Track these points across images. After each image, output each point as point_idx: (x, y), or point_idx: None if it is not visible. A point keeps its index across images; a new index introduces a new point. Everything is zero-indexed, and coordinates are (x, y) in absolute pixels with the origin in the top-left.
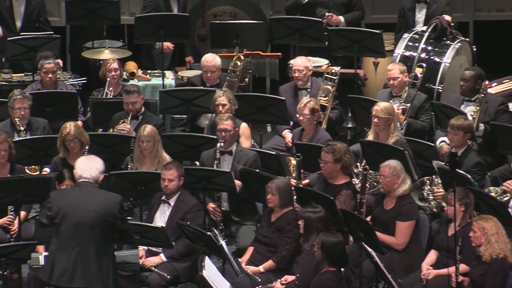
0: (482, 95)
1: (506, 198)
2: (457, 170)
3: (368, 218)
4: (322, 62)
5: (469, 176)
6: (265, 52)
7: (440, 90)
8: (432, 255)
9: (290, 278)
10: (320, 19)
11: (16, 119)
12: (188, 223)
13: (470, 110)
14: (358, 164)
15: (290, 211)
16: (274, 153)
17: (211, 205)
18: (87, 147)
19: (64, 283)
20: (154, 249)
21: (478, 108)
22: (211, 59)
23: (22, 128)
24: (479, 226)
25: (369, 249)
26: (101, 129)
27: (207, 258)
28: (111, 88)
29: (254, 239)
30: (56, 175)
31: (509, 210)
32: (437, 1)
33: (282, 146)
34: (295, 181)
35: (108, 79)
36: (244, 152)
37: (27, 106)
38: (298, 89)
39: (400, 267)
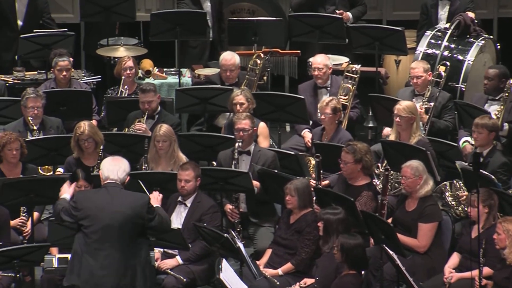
0: (507, 94)
1: None
2: (480, 170)
3: (390, 220)
4: (342, 60)
5: (493, 177)
6: (284, 49)
7: (464, 89)
8: (455, 258)
9: (309, 281)
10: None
11: (29, 118)
12: (205, 224)
13: (494, 109)
14: (379, 164)
15: (309, 213)
16: (293, 153)
17: (228, 207)
18: (101, 147)
19: (92, 286)
20: (170, 251)
21: (502, 107)
22: (230, 57)
23: (35, 128)
24: (504, 228)
25: (390, 252)
26: (115, 129)
27: (224, 260)
28: (126, 87)
29: (272, 241)
30: (70, 175)
31: None
32: None
33: (301, 146)
34: (314, 182)
35: (123, 77)
36: (262, 152)
37: (41, 105)
38: (317, 87)
39: (422, 270)
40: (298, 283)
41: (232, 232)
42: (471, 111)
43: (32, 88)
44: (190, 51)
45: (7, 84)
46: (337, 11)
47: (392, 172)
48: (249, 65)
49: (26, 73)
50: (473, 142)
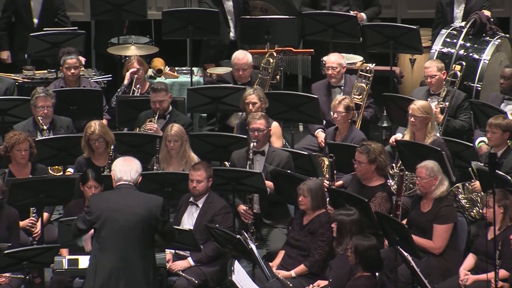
0: None
1: None
2: (496, 171)
3: (404, 221)
4: (357, 59)
5: (509, 177)
6: (297, 48)
7: (479, 88)
8: (470, 260)
9: (322, 283)
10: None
11: (39, 117)
12: (217, 225)
13: (510, 108)
14: (394, 165)
15: (323, 214)
16: (306, 153)
17: (242, 207)
18: (112, 147)
19: None
20: (181, 252)
21: None
22: (242, 56)
23: (45, 127)
24: None
25: (405, 253)
26: (126, 128)
27: (236, 262)
28: (138, 86)
29: (285, 242)
30: (80, 176)
31: None
32: None
33: (314, 146)
34: (328, 182)
35: (135, 76)
36: (277, 153)
37: (51, 104)
38: (331, 87)
39: (437, 272)
40: (311, 285)
41: (245, 233)
42: (487, 111)
43: (42, 87)
44: (208, 51)
45: (17, 83)
46: (351, 12)
47: (407, 172)
48: (262, 64)
49: (36, 72)
50: None
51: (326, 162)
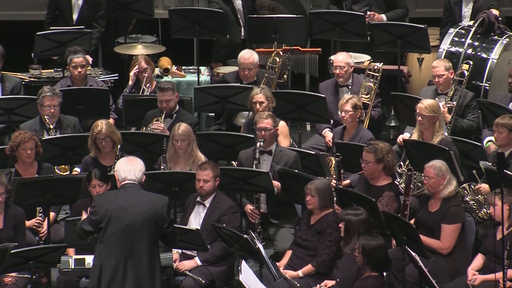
0: None
1: None
2: (504, 170)
3: (412, 221)
4: (364, 58)
5: None
6: (305, 47)
7: (488, 88)
8: (479, 260)
9: (330, 283)
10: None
11: (45, 117)
12: (224, 225)
13: None
14: (401, 164)
15: (330, 213)
16: (313, 152)
17: (249, 207)
18: (118, 146)
19: None
20: (188, 252)
21: None
22: (248, 55)
23: (51, 126)
24: None
25: (413, 253)
26: (134, 128)
27: (243, 262)
28: (148, 85)
29: (292, 242)
30: (87, 175)
31: None
32: None
33: (322, 145)
34: (335, 182)
35: (144, 75)
36: (284, 152)
37: (57, 104)
38: (338, 86)
39: (445, 272)
40: (318, 285)
41: (252, 233)
42: (495, 110)
43: (49, 87)
44: (220, 50)
45: (23, 82)
46: (368, 12)
47: (415, 172)
48: (268, 63)
49: (43, 71)
50: None
51: (334, 162)
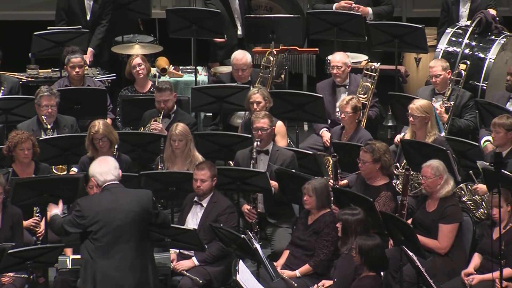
0: None
1: None
2: (502, 170)
3: (409, 221)
4: (362, 58)
5: None
6: (302, 47)
7: (485, 87)
8: (476, 259)
9: (327, 283)
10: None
11: (43, 117)
12: (221, 225)
13: None
14: (398, 164)
15: (328, 213)
16: (311, 152)
17: (246, 207)
18: (115, 146)
19: None
20: (186, 252)
21: None
22: (241, 56)
23: (49, 126)
24: None
25: (410, 253)
26: (129, 128)
27: (241, 261)
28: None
29: (290, 242)
30: (84, 175)
31: None
32: None
33: (319, 145)
34: (332, 182)
35: (139, 71)
36: (281, 152)
37: (55, 104)
38: (336, 86)
39: (442, 271)
40: (315, 285)
41: (249, 233)
42: (492, 110)
43: (46, 86)
44: (217, 51)
45: (21, 82)
46: (353, 5)
47: (412, 172)
48: (262, 63)
49: (40, 71)
50: None
51: (331, 162)
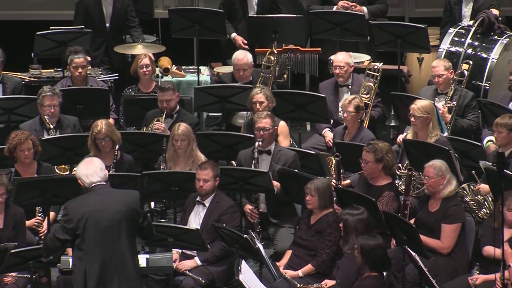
0: None
1: None
2: (504, 170)
3: (412, 221)
4: (364, 58)
5: None
6: (305, 47)
7: (487, 87)
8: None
9: (330, 283)
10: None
11: (45, 116)
12: (224, 225)
13: None
14: (400, 165)
15: (330, 213)
16: (313, 152)
17: (248, 207)
18: (117, 146)
19: None
20: (188, 252)
21: None
22: (242, 56)
23: (51, 126)
24: None
25: (413, 253)
26: (131, 127)
27: (243, 261)
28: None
29: (292, 242)
30: None
31: None
32: None
33: (322, 145)
34: (335, 181)
35: (145, 71)
36: (283, 152)
37: (57, 103)
38: (338, 86)
39: (445, 271)
40: (315, 284)
41: (252, 232)
42: (495, 110)
43: (49, 86)
44: (230, 48)
45: (23, 82)
46: (349, 3)
47: (414, 173)
48: (263, 62)
49: (43, 71)
50: None
51: (334, 162)
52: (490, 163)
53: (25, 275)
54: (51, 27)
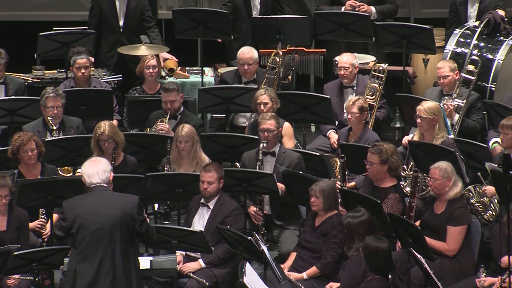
0: None
1: None
2: (510, 172)
3: (417, 223)
4: (369, 59)
5: None
6: (309, 48)
7: (493, 89)
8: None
9: (335, 285)
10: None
11: (48, 118)
12: (228, 227)
13: None
14: (405, 166)
15: (335, 215)
16: (318, 154)
17: (252, 209)
18: (113, 147)
19: None
20: (192, 254)
21: None
22: (248, 51)
23: (54, 128)
24: None
25: (418, 255)
26: (135, 129)
27: (247, 264)
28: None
29: (297, 244)
30: None
31: None
32: None
33: (326, 147)
34: (340, 183)
35: (151, 71)
36: (287, 154)
37: (60, 105)
38: (343, 87)
39: (450, 274)
40: None
41: (256, 235)
42: (501, 112)
43: (52, 87)
44: (232, 49)
45: (26, 83)
46: (357, 3)
47: (419, 174)
48: (268, 63)
49: (46, 71)
50: None
51: (338, 163)
52: (496, 165)
53: (28, 277)
54: (54, 28)
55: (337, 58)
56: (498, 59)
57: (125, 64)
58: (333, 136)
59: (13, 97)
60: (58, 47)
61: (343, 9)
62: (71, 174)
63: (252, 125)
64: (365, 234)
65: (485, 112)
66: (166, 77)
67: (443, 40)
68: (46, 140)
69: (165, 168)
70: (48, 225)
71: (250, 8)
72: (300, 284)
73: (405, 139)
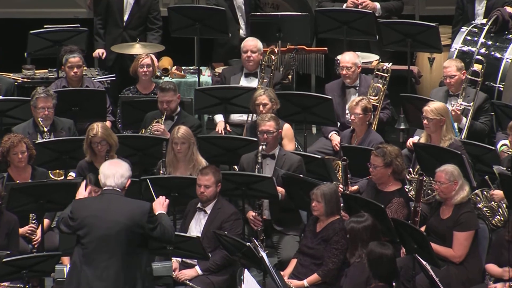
0: None
1: None
2: None
3: (423, 228)
4: (372, 58)
5: None
6: (310, 46)
7: (501, 89)
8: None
9: None
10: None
11: (39, 119)
12: (226, 232)
13: None
14: (411, 170)
15: (337, 220)
16: (319, 156)
17: (251, 214)
18: (107, 150)
19: None
20: (188, 261)
21: None
22: (252, 39)
23: (45, 129)
24: None
25: (423, 262)
26: (129, 131)
27: (246, 271)
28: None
29: (297, 250)
30: (82, 181)
31: None
32: None
33: (328, 149)
34: (342, 187)
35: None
36: (287, 156)
37: (51, 105)
38: (345, 87)
39: (457, 281)
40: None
41: (255, 240)
42: (509, 113)
43: (43, 88)
44: (218, 50)
45: (16, 83)
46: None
47: (425, 178)
48: (263, 62)
49: (36, 71)
50: None
51: (341, 166)
52: (505, 168)
53: (18, 285)
54: (45, 26)
55: (339, 57)
56: (507, 58)
57: (124, 62)
58: (335, 138)
59: (2, 97)
60: (49, 46)
61: (344, 6)
62: (62, 177)
63: (250, 126)
64: (369, 240)
65: (493, 113)
66: (162, 77)
67: (450, 38)
68: (37, 142)
69: (161, 171)
70: (39, 231)
71: (234, 8)
72: None
73: (410, 141)
